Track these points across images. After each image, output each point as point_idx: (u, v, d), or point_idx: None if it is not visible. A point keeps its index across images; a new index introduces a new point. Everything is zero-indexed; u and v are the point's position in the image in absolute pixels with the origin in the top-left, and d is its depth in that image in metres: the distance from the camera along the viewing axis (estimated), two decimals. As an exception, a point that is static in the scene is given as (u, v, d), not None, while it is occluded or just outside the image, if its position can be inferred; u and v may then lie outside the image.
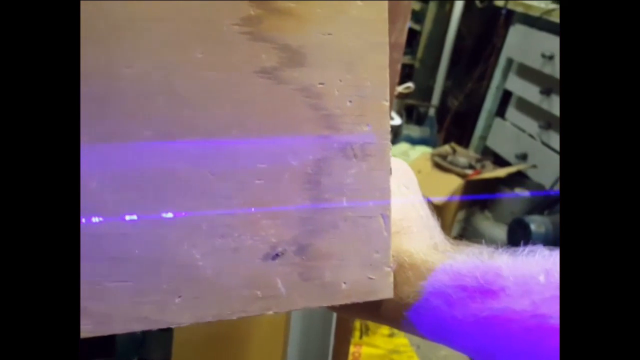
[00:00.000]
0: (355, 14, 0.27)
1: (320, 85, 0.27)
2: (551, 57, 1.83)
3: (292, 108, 0.27)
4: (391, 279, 0.30)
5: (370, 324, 1.51)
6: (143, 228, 0.25)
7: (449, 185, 2.00)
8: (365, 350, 1.47)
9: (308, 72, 0.27)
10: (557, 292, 0.25)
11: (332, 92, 0.28)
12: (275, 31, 0.26)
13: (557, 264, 0.26)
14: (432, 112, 2.66)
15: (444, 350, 1.56)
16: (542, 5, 1.90)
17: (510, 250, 0.29)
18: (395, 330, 1.55)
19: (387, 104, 0.29)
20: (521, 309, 0.25)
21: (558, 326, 0.24)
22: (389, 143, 0.29)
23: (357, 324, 1.49)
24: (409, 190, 0.35)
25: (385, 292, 0.30)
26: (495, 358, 0.27)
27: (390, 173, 0.29)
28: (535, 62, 1.92)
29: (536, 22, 1.92)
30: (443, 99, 2.66)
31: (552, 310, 0.24)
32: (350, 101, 0.28)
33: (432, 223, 0.35)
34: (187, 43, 0.25)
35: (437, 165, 2.10)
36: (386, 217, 0.29)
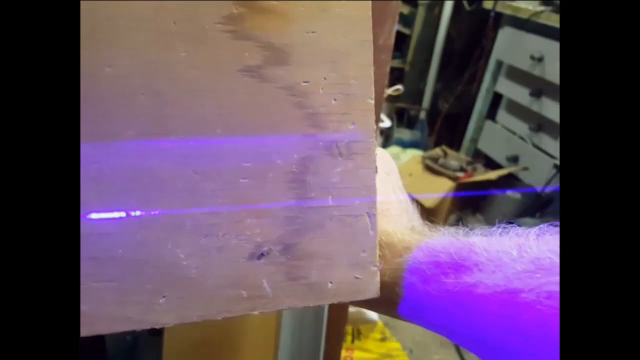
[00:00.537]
0: (339, 12, 0.27)
1: (305, 84, 0.27)
2: (540, 59, 1.84)
3: (277, 106, 0.27)
4: (378, 278, 0.30)
5: (362, 328, 1.51)
6: (126, 227, 0.25)
7: (440, 188, 2.00)
8: (357, 354, 1.47)
9: (292, 71, 0.27)
10: (530, 267, 0.24)
11: (317, 90, 0.27)
12: (258, 29, 0.26)
13: (530, 240, 0.26)
14: (422, 115, 2.67)
15: (437, 355, 1.55)
16: (530, 7, 1.92)
17: (485, 230, 0.29)
18: (388, 334, 1.55)
19: (373, 102, 0.29)
20: (494, 283, 0.25)
21: (529, 300, 0.23)
22: (375, 141, 0.29)
23: (349, 328, 1.48)
24: (389, 176, 0.35)
25: (372, 291, 0.29)
26: (469, 334, 0.27)
27: (376, 171, 0.29)
28: (525, 64, 1.93)
29: (525, 24, 1.93)
30: (433, 102, 2.66)
31: (524, 284, 0.24)
32: (335, 99, 0.28)
33: (410, 208, 0.35)
34: (169, 42, 0.25)
35: (429, 168, 2.10)
36: (372, 216, 0.29)
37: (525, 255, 0.25)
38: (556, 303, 0.23)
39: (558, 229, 0.26)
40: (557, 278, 0.23)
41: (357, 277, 0.29)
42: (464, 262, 0.27)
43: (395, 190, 0.35)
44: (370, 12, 0.28)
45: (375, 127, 0.29)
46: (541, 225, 0.27)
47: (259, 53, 0.26)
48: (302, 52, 0.27)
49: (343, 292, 0.29)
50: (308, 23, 0.27)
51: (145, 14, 0.25)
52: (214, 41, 0.26)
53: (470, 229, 0.30)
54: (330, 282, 0.29)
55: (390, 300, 0.30)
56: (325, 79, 0.28)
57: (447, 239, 0.29)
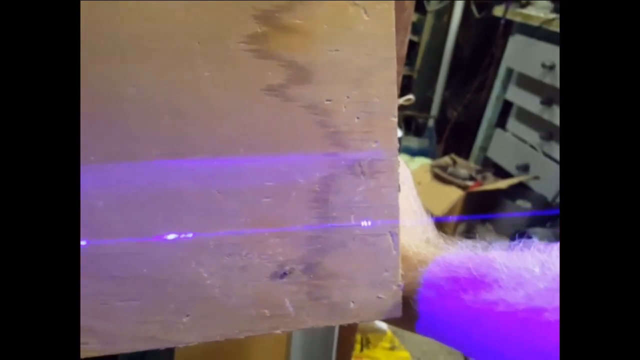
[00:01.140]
0: (361, 30, 0.27)
1: (328, 102, 0.27)
2: (552, 67, 1.83)
3: (300, 125, 0.27)
4: (400, 297, 0.29)
5: (371, 336, 1.50)
6: (150, 247, 0.25)
7: (449, 197, 1.99)
8: (366, 363, 1.46)
9: (315, 89, 0.27)
10: (553, 285, 0.24)
11: (340, 109, 0.27)
12: (281, 48, 0.26)
13: (553, 257, 0.25)
14: (431, 123, 2.66)
15: (447, 363, 1.54)
16: (541, 14, 1.91)
17: (505, 244, 0.28)
18: (397, 343, 1.54)
19: (395, 119, 0.29)
20: (514, 301, 0.24)
21: (552, 319, 0.23)
22: (398, 159, 0.29)
23: (358, 337, 1.48)
24: (403, 185, 0.35)
25: (394, 311, 0.29)
26: (487, 352, 0.26)
27: (399, 190, 0.29)
28: (536, 72, 1.92)
29: (535, 32, 1.92)
30: (442, 109, 2.66)
31: (546, 302, 0.23)
32: (358, 117, 0.28)
33: (425, 219, 0.35)
34: (193, 61, 0.25)
35: (437, 177, 2.09)
36: (395, 235, 0.29)
37: (548, 272, 0.25)
38: None
39: None
40: None
41: (379, 297, 0.29)
42: (484, 278, 0.26)
43: (409, 199, 0.35)
44: (393, 29, 0.28)
45: (398, 145, 0.29)
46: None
47: (282, 72, 0.26)
48: (325, 71, 0.27)
49: (365, 312, 0.29)
50: (331, 41, 0.27)
51: (169, 34, 0.25)
52: (238, 61, 0.26)
53: (489, 243, 0.29)
54: (352, 302, 0.29)
55: (405, 315, 0.30)
56: (348, 97, 0.27)
57: (464, 253, 0.29)
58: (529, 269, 0.25)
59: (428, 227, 0.34)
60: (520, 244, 0.28)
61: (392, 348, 1.54)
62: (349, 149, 0.28)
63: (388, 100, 0.28)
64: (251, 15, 0.25)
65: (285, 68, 0.26)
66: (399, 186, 0.29)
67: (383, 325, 1.54)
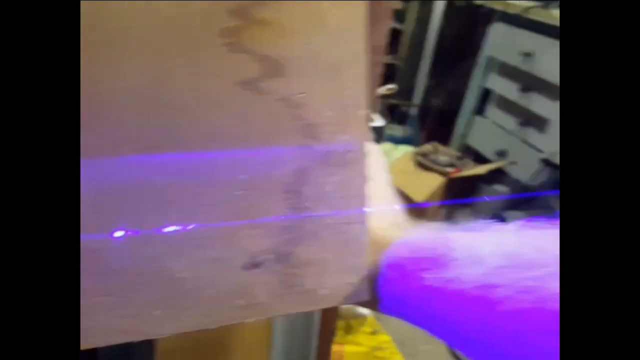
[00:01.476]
0: (334, 24, 0.28)
1: (301, 95, 0.28)
2: (530, 55, 1.85)
3: (273, 118, 0.27)
4: (367, 282, 0.30)
5: (353, 322, 1.52)
6: (122, 243, 0.26)
7: (430, 183, 2.01)
8: (348, 348, 1.48)
9: (288, 83, 0.27)
10: (508, 262, 0.25)
11: (312, 102, 0.28)
12: (255, 42, 0.26)
13: (509, 235, 0.26)
14: (414, 111, 2.67)
15: (426, 345, 1.57)
16: (521, 3, 1.92)
17: (466, 225, 0.29)
18: (378, 327, 1.56)
19: (366, 112, 0.29)
20: (471, 278, 0.25)
21: (506, 295, 0.24)
22: (366, 151, 0.30)
23: (340, 322, 1.49)
24: (377, 172, 0.35)
25: (364, 295, 0.30)
26: (447, 329, 0.27)
27: (367, 180, 0.30)
28: (515, 60, 1.94)
29: (515, 20, 1.94)
30: (425, 98, 2.67)
31: (501, 279, 0.24)
32: (330, 110, 0.28)
33: (396, 204, 0.35)
34: (169, 57, 0.25)
35: (420, 164, 2.11)
36: (364, 223, 0.30)
37: (503, 250, 0.26)
38: (532, 297, 0.23)
39: (536, 224, 0.27)
40: (534, 273, 0.23)
41: (348, 282, 0.30)
42: (443, 257, 0.27)
43: (381, 185, 0.35)
44: (365, 25, 0.29)
45: (368, 136, 0.30)
46: (520, 221, 0.28)
47: (256, 66, 0.27)
48: (298, 64, 0.27)
49: (336, 297, 0.30)
50: (303, 35, 0.27)
51: (144, 29, 0.25)
52: (213, 55, 0.26)
53: (453, 224, 0.30)
54: (324, 288, 0.29)
55: (371, 296, 0.31)
56: (320, 90, 0.28)
57: (427, 235, 0.30)
58: (485, 248, 0.26)
59: (398, 212, 0.35)
60: (479, 224, 0.29)
61: (374, 332, 1.56)
62: (321, 141, 0.28)
63: (359, 93, 0.29)
64: (225, 9, 0.26)
65: (259, 62, 0.27)
66: (366, 177, 0.30)
67: (364, 310, 1.56)
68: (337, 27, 0.28)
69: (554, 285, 0.22)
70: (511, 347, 0.23)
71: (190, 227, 0.26)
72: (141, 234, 0.26)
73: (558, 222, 0.25)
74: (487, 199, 1.98)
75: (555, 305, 0.22)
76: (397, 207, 0.35)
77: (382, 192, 0.35)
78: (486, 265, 0.25)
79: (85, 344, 0.25)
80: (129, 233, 0.25)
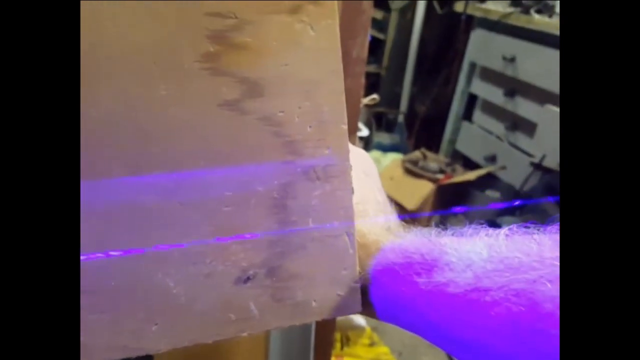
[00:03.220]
0: (308, 45, 0.29)
1: (281, 114, 0.29)
2: (512, 59, 1.88)
3: (256, 136, 0.28)
4: (359, 294, 0.31)
5: (351, 334, 1.52)
6: (117, 261, 0.26)
7: (421, 191, 2.03)
8: (347, 360, 1.48)
9: (268, 102, 0.28)
10: (499, 266, 0.25)
11: (293, 119, 0.29)
12: (234, 65, 0.27)
13: (500, 240, 0.27)
14: (400, 118, 2.70)
15: (426, 356, 1.57)
16: (500, 9, 1.96)
17: (457, 230, 0.30)
18: (376, 339, 1.56)
19: (345, 127, 0.30)
20: (464, 282, 0.26)
21: (499, 298, 0.24)
22: (350, 164, 0.31)
23: (338, 335, 1.49)
24: (368, 177, 0.36)
25: (354, 307, 0.31)
26: (440, 333, 0.27)
27: (353, 192, 0.31)
28: (497, 65, 1.97)
29: (495, 26, 1.97)
30: (411, 105, 2.69)
31: (493, 282, 0.25)
32: (310, 126, 0.29)
33: (388, 209, 0.36)
34: (151, 81, 0.26)
35: (409, 172, 2.13)
36: (351, 235, 0.31)
37: (494, 255, 0.26)
38: (523, 301, 0.23)
39: (527, 229, 0.27)
40: (525, 276, 0.24)
41: (339, 294, 0.31)
42: (436, 262, 0.28)
43: (373, 190, 0.36)
44: (338, 44, 0.30)
45: (349, 150, 0.31)
46: (511, 226, 0.28)
47: (237, 88, 0.28)
48: (277, 85, 0.28)
49: (327, 309, 0.30)
50: (280, 56, 0.28)
51: (125, 55, 0.26)
52: (194, 78, 0.27)
53: (443, 230, 0.30)
54: (314, 301, 0.30)
55: (365, 301, 0.31)
56: (299, 108, 0.29)
57: (419, 240, 0.30)
58: (477, 252, 0.27)
59: (390, 217, 0.35)
60: (470, 230, 0.29)
61: (372, 344, 1.56)
62: (303, 156, 0.29)
63: (337, 108, 0.30)
64: (204, 35, 0.27)
65: (239, 84, 0.28)
66: (352, 189, 0.31)
67: (362, 322, 1.56)
68: (312, 48, 0.29)
69: (548, 288, 0.23)
70: (506, 350, 0.24)
71: (181, 244, 0.27)
72: (133, 252, 0.27)
73: (549, 227, 0.26)
74: (480, 208, 1.99)
75: (550, 306, 0.22)
76: (391, 212, 0.36)
77: (375, 196, 0.35)
78: (479, 269, 0.26)
79: None
80: (120, 251, 0.26)
